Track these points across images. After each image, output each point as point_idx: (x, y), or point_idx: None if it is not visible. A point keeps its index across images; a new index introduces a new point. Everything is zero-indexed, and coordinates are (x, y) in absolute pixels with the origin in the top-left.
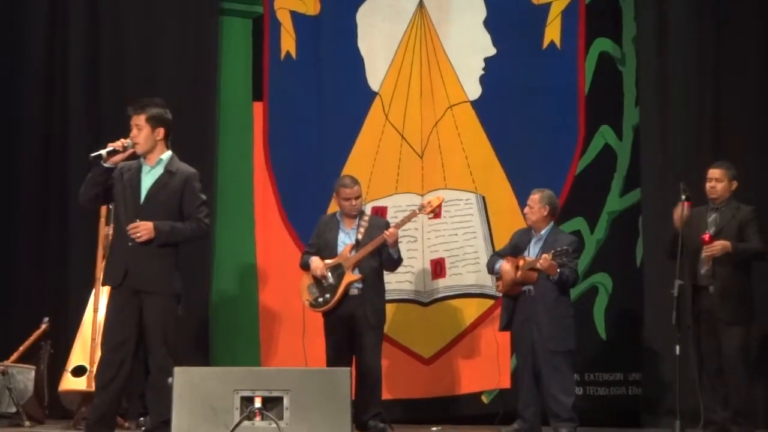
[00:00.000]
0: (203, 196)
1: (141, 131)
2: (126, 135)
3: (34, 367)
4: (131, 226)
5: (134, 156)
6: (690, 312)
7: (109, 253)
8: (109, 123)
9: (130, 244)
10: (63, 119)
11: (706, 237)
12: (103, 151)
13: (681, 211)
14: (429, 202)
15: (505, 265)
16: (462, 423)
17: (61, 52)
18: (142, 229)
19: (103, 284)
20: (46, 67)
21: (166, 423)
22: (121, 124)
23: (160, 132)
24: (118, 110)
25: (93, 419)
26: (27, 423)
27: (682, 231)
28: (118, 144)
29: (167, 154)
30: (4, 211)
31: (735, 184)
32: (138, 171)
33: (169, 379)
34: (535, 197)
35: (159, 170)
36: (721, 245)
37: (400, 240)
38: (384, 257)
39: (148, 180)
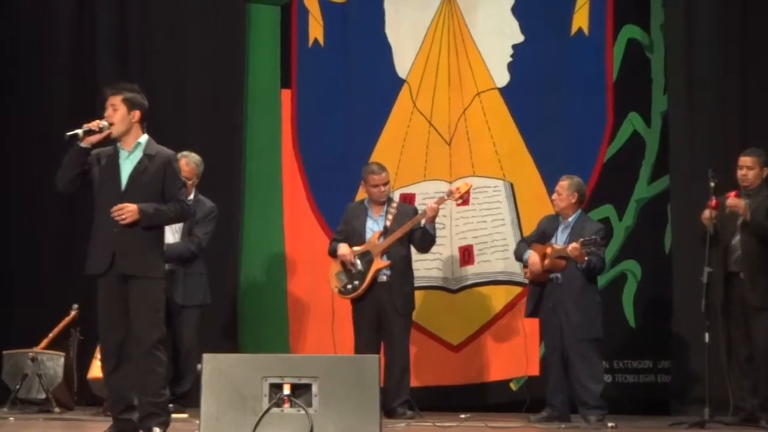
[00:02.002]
0: (183, 179)
1: (117, 111)
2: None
3: (63, 353)
4: (115, 208)
5: (109, 141)
6: (720, 299)
7: (92, 241)
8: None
9: (115, 230)
10: (90, 107)
11: (733, 194)
12: (79, 131)
13: (709, 213)
14: (457, 188)
15: (533, 257)
16: (490, 410)
17: (88, 39)
18: (127, 212)
19: (87, 273)
20: (73, 56)
21: (157, 407)
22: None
23: (136, 114)
24: (147, 98)
25: (117, 410)
26: (56, 409)
27: (714, 217)
28: (94, 124)
29: (144, 138)
30: (33, 198)
31: (766, 171)
32: (116, 157)
33: (198, 366)
34: (563, 184)
35: (138, 155)
36: (745, 205)
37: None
38: (419, 237)
39: (127, 165)
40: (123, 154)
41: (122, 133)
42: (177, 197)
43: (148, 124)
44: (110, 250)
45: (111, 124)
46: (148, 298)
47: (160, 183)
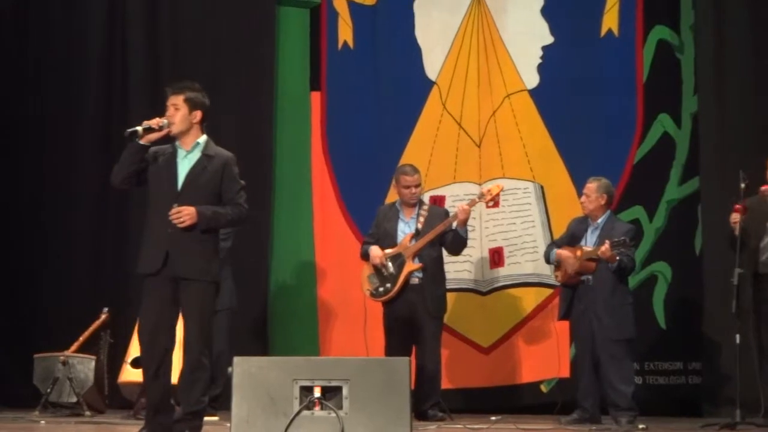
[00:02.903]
0: (242, 181)
1: (178, 111)
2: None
3: (94, 357)
4: (173, 211)
5: (168, 139)
6: (750, 301)
7: (145, 240)
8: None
9: (169, 230)
10: (122, 107)
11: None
12: (138, 128)
13: (737, 217)
14: (489, 191)
15: (564, 253)
16: (521, 412)
17: (120, 43)
18: (185, 214)
19: (139, 272)
20: (103, 59)
21: (194, 414)
22: None
23: (197, 115)
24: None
25: (151, 413)
26: (87, 412)
27: (743, 220)
28: (154, 122)
29: (203, 138)
30: (64, 200)
31: None
32: (173, 155)
33: (229, 369)
34: (591, 186)
35: (196, 155)
36: None
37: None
38: (450, 239)
39: (185, 165)
40: (181, 153)
41: (182, 132)
42: (235, 200)
43: None
44: (163, 250)
45: (171, 123)
46: (200, 303)
47: (218, 184)
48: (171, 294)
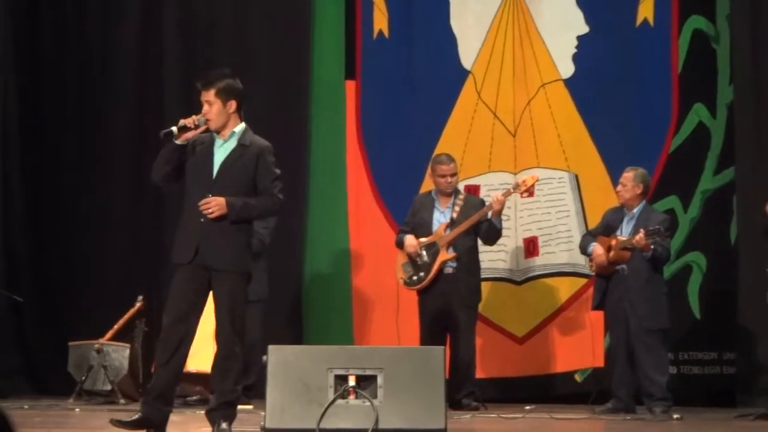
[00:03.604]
0: (277, 171)
1: (212, 106)
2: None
3: (128, 345)
4: (203, 202)
5: (208, 131)
6: None
7: (179, 229)
8: (199, 102)
9: (201, 220)
10: (157, 95)
11: None
12: (173, 128)
13: None
14: (524, 181)
15: (597, 250)
16: (555, 402)
17: (154, 30)
18: (214, 205)
19: (174, 261)
20: (139, 50)
21: (228, 404)
22: None
23: (232, 105)
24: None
25: (151, 396)
26: (122, 400)
27: None
28: (189, 120)
29: (240, 127)
30: (100, 189)
31: None
32: (210, 144)
33: (263, 358)
34: (628, 175)
35: (232, 144)
36: None
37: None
38: (485, 229)
39: (220, 154)
40: (218, 142)
41: (220, 127)
42: (269, 190)
43: None
44: (195, 240)
45: (208, 120)
46: (231, 293)
47: (252, 173)
48: (200, 283)
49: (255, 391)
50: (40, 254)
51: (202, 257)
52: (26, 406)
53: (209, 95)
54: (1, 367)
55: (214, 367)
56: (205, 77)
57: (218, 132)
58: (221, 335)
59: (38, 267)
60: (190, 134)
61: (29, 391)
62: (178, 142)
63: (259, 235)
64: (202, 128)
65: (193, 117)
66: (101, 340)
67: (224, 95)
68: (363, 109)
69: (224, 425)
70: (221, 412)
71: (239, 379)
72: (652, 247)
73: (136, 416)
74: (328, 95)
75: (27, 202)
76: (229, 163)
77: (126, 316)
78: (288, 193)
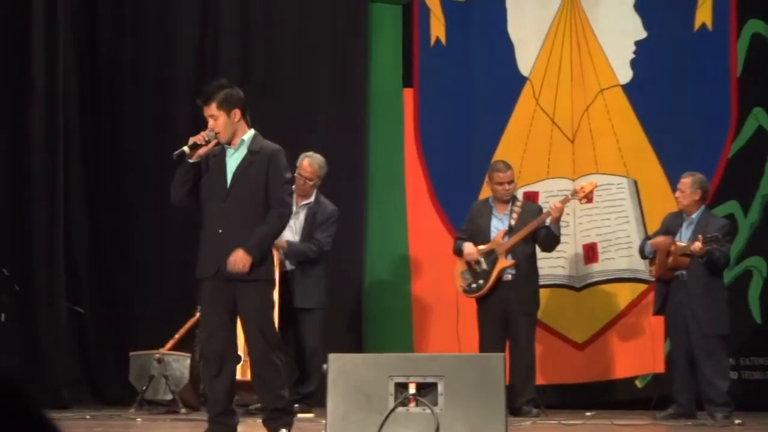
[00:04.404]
0: (288, 174)
1: (217, 120)
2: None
3: (189, 354)
4: (230, 268)
5: (219, 144)
6: None
7: (201, 243)
8: (260, 110)
9: (220, 231)
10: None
11: None
12: (185, 148)
13: None
14: (582, 187)
15: (657, 238)
16: (616, 408)
17: (211, 39)
18: (239, 262)
19: (198, 276)
20: (196, 60)
21: (281, 411)
22: (272, 111)
23: (236, 114)
24: (270, 99)
25: (213, 414)
26: (183, 410)
27: None
28: (199, 137)
29: (249, 134)
30: (160, 198)
31: None
32: (222, 155)
33: (324, 366)
34: (686, 181)
35: (242, 151)
36: None
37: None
38: (543, 236)
39: (232, 163)
40: (229, 152)
41: (230, 138)
42: (280, 195)
43: (274, 125)
44: (217, 253)
45: (217, 134)
46: (257, 302)
47: (264, 178)
48: (227, 295)
49: (315, 399)
50: (101, 265)
51: (225, 269)
52: (88, 417)
53: (212, 109)
54: (63, 378)
55: (253, 380)
56: (203, 93)
57: (229, 143)
58: (254, 350)
59: (99, 278)
60: (202, 150)
61: (91, 401)
62: (191, 160)
63: (319, 242)
64: (213, 143)
65: (203, 133)
66: (162, 350)
67: (226, 106)
68: (421, 117)
69: None
70: (277, 421)
71: (285, 385)
72: (706, 249)
73: None
74: (386, 104)
75: (88, 212)
76: (241, 171)
77: (186, 326)
78: (347, 201)
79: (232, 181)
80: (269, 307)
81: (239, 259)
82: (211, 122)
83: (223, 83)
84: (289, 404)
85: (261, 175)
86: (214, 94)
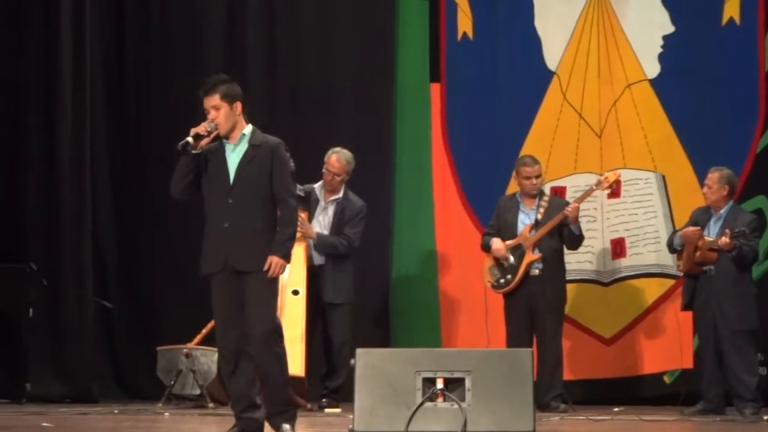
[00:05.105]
0: (292, 166)
1: (219, 111)
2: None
3: (216, 349)
4: (270, 273)
5: (217, 139)
6: None
7: (205, 239)
8: (286, 106)
9: (225, 225)
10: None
11: None
12: (189, 138)
13: None
14: (606, 178)
15: (687, 230)
16: (644, 403)
17: (239, 32)
18: (276, 268)
19: (202, 273)
20: (223, 55)
21: (283, 404)
22: (299, 108)
23: (238, 107)
24: (295, 94)
25: (238, 410)
26: (210, 404)
27: None
28: (201, 128)
29: (248, 128)
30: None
31: None
32: (221, 151)
33: (351, 361)
34: (713, 177)
35: (243, 146)
36: None
37: (579, 219)
38: (565, 235)
39: (233, 158)
40: (229, 147)
41: (230, 130)
42: (287, 185)
43: (299, 120)
44: (223, 248)
45: (218, 125)
46: (263, 292)
47: (268, 173)
48: (235, 289)
49: (343, 394)
50: (128, 260)
51: (232, 263)
52: (116, 411)
53: (215, 100)
54: (91, 372)
55: (256, 373)
56: (206, 83)
57: (227, 137)
58: (253, 341)
59: (127, 273)
60: (204, 141)
61: (119, 395)
62: (194, 151)
63: (348, 238)
64: (215, 134)
65: (203, 124)
66: (189, 345)
67: (229, 98)
68: (448, 112)
69: (287, 428)
70: (281, 415)
71: (286, 377)
72: (734, 244)
73: (232, 431)
74: (413, 98)
75: (115, 209)
76: (244, 166)
77: (214, 321)
78: (374, 196)
79: (235, 176)
80: (274, 298)
81: (277, 266)
82: (212, 113)
83: (225, 77)
84: (291, 397)
85: (265, 168)
86: (218, 85)
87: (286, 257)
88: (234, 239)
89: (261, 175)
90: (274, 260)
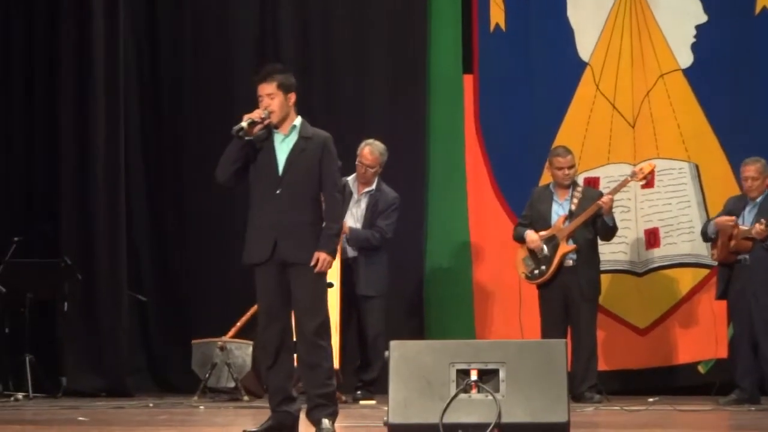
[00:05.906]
0: (339, 162)
1: (274, 99)
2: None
3: (251, 342)
4: (317, 269)
5: (267, 127)
6: None
7: (250, 229)
8: (319, 98)
9: (273, 216)
10: None
11: None
12: (243, 124)
13: None
14: (641, 169)
15: (720, 218)
16: (679, 393)
17: (270, 24)
18: (324, 264)
19: (247, 262)
20: (255, 45)
21: (325, 399)
22: (332, 100)
23: (292, 97)
24: (327, 87)
25: (275, 402)
26: (245, 397)
27: None
28: (255, 114)
29: (299, 120)
30: (218, 188)
31: None
32: (271, 141)
33: (386, 353)
34: (756, 167)
35: (294, 137)
36: None
37: (613, 209)
38: (599, 226)
39: (283, 149)
40: (278, 137)
41: (282, 119)
42: (335, 180)
43: (333, 113)
44: (272, 237)
45: (271, 112)
46: (311, 286)
47: (317, 166)
48: (281, 280)
49: (377, 387)
50: (163, 254)
51: (279, 254)
52: (151, 405)
53: (271, 87)
54: (126, 366)
55: (299, 364)
56: (264, 70)
57: (278, 127)
58: (302, 334)
59: (162, 267)
60: (257, 128)
61: (154, 389)
62: (247, 138)
63: (381, 230)
64: (267, 121)
65: (258, 111)
66: (224, 338)
67: (285, 88)
68: (481, 103)
69: (327, 423)
70: (321, 410)
71: (331, 372)
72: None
73: (267, 424)
74: (445, 90)
75: (150, 202)
76: (294, 157)
77: (248, 314)
78: (407, 188)
79: (285, 166)
80: (321, 291)
81: (324, 262)
82: (266, 100)
83: (282, 66)
84: (333, 394)
85: (314, 160)
86: (274, 73)
87: (333, 253)
88: (282, 230)
89: (310, 167)
90: (321, 256)
